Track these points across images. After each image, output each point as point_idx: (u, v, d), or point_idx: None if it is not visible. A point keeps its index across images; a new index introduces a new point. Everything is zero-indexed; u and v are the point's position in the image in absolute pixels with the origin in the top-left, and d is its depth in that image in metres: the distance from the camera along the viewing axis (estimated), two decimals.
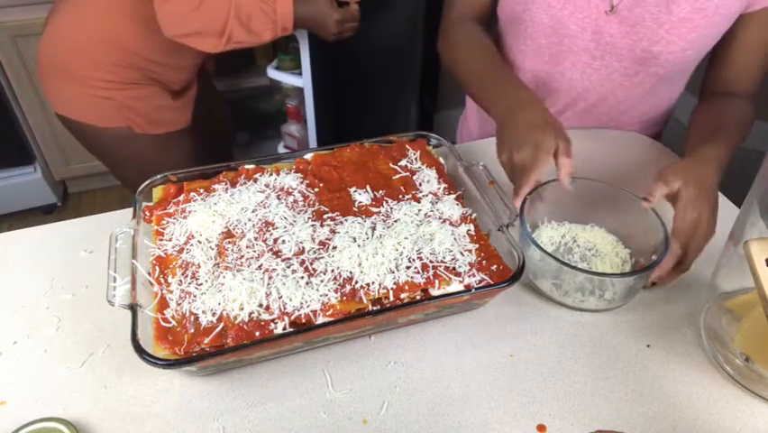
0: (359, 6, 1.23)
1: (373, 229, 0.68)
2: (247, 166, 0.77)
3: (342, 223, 0.69)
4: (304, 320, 0.59)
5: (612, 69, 0.92)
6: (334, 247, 0.65)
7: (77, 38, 1.13)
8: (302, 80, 1.59)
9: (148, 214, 0.71)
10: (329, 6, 1.17)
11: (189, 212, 0.69)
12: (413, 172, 0.78)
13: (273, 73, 1.68)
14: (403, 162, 0.79)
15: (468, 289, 0.62)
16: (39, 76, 1.21)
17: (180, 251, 0.66)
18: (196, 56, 1.25)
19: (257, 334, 0.57)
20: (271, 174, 0.76)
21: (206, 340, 0.56)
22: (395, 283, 0.61)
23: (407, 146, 0.81)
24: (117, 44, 1.12)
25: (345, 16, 1.20)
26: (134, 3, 1.10)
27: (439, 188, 0.76)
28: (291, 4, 1.11)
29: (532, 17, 0.90)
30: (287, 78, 1.65)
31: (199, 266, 0.64)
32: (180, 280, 0.62)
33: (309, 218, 0.69)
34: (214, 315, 0.58)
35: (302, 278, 0.61)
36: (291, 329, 0.58)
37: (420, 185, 0.76)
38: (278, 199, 0.71)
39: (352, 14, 1.22)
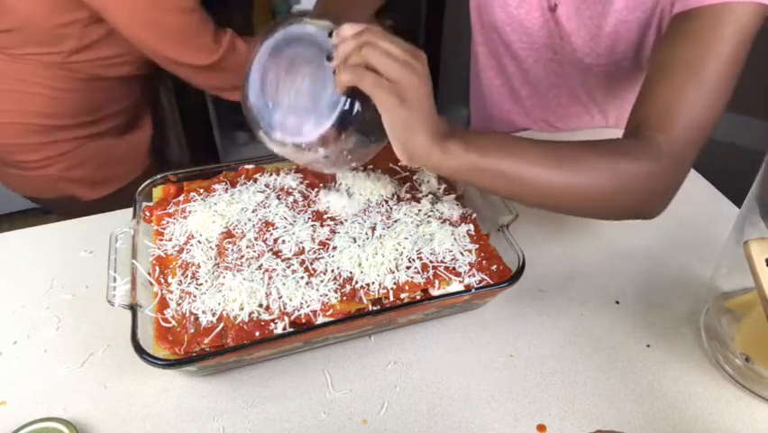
0: None
1: (373, 229, 0.68)
2: (247, 166, 0.77)
3: (341, 223, 0.69)
4: (304, 320, 0.59)
5: (568, 68, 0.93)
6: (334, 247, 0.65)
7: None
8: None
9: (148, 214, 0.71)
10: None
11: (189, 212, 0.69)
12: (413, 172, 0.78)
13: None
14: (403, 162, 0.79)
15: (468, 289, 0.62)
16: None
17: (180, 251, 0.66)
18: (127, 94, 1.10)
19: (257, 334, 0.57)
20: (271, 174, 0.76)
21: (206, 340, 0.56)
22: (395, 283, 0.61)
23: None
24: (32, 119, 1.00)
25: None
26: (40, 68, 0.97)
27: (439, 189, 0.76)
28: None
29: (493, 15, 0.92)
30: None
31: (199, 266, 0.64)
32: (180, 281, 0.62)
33: (309, 218, 0.69)
34: (214, 315, 0.58)
35: (302, 278, 0.61)
36: (291, 329, 0.58)
37: (420, 185, 0.76)
38: (278, 199, 0.71)
39: None
